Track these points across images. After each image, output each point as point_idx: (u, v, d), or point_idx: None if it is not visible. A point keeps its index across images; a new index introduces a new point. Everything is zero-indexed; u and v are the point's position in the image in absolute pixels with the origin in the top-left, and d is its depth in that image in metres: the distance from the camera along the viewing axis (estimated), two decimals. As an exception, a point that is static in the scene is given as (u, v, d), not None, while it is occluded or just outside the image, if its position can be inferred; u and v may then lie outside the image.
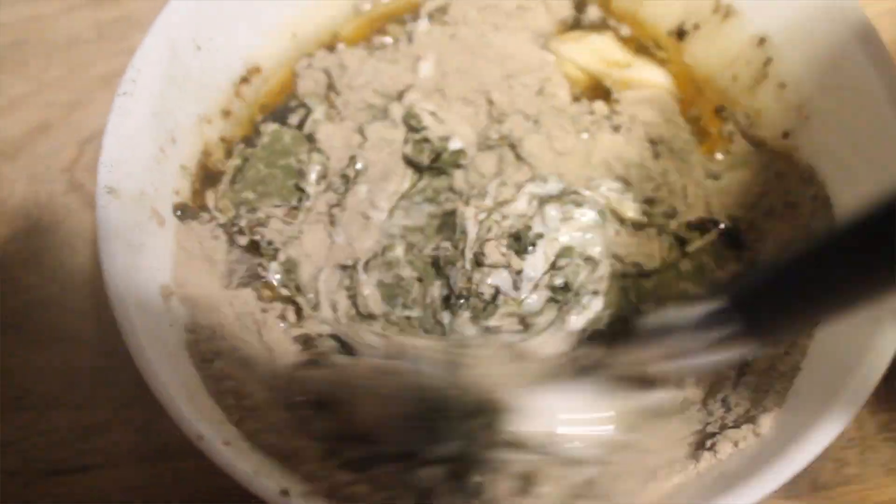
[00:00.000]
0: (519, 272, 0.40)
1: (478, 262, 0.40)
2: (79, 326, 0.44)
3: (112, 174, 0.35)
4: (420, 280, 0.41)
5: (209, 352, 0.37)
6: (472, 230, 0.40)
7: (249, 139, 0.44)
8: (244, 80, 0.44)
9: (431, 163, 0.43)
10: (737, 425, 0.35)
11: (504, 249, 0.40)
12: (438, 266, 0.41)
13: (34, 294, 0.45)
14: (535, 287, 0.40)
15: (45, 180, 0.47)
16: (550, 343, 0.38)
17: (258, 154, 0.43)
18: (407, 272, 0.41)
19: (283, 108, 0.46)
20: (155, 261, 0.37)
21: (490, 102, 0.44)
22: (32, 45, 0.50)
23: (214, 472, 0.40)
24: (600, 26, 0.48)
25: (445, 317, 0.40)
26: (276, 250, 0.42)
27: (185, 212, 0.40)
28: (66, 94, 0.49)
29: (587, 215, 0.41)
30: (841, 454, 0.40)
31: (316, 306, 0.41)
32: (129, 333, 0.32)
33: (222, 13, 0.41)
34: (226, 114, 0.43)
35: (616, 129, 0.44)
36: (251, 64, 0.44)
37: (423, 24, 0.47)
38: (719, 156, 0.44)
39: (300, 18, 0.46)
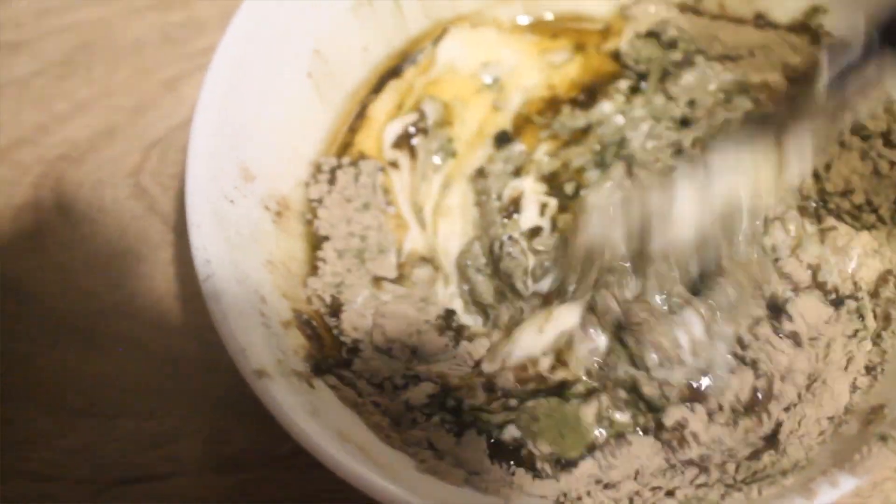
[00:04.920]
0: None
1: None
2: (145, 335, 0.44)
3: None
4: None
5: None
6: None
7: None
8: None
9: None
10: None
11: None
12: None
13: (100, 301, 0.44)
14: None
15: (110, 185, 0.47)
16: None
17: None
18: None
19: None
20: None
21: None
22: (99, 48, 0.50)
23: (281, 483, 0.41)
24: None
25: None
26: None
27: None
28: (132, 98, 0.49)
29: None
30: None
31: None
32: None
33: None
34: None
35: None
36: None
37: None
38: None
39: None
